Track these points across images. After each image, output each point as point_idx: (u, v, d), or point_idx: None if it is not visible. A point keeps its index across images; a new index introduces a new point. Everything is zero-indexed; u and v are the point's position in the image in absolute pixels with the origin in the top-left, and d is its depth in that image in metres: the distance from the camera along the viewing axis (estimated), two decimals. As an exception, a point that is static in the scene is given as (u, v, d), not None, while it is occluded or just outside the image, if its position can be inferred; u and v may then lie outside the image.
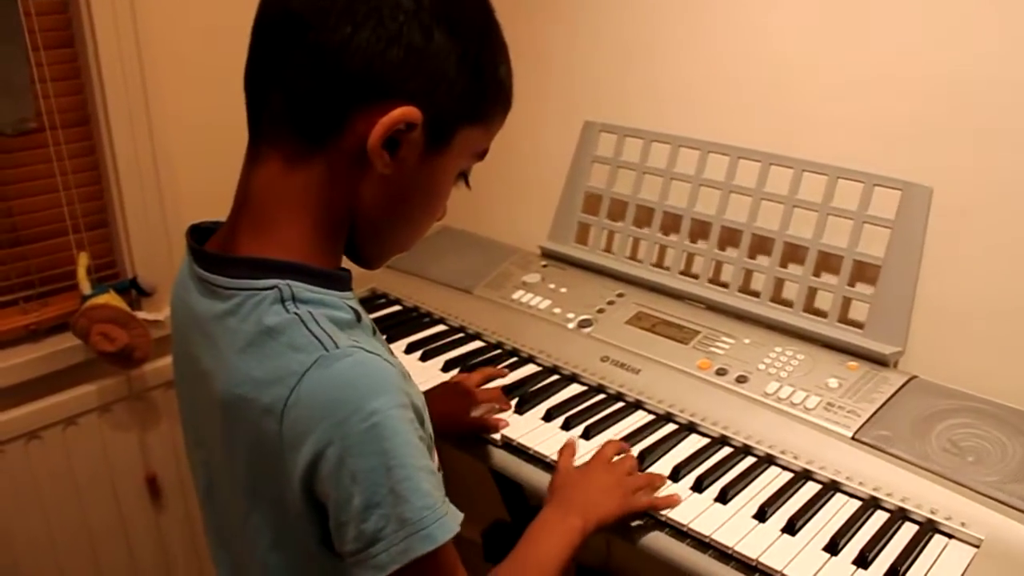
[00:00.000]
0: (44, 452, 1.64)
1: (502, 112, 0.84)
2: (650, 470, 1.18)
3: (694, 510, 1.09)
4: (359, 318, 0.80)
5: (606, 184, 1.67)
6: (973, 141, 1.29)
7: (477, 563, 0.89)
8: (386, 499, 0.71)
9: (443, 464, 0.90)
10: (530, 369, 1.46)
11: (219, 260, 0.79)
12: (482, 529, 1.87)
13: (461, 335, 1.58)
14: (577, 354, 1.45)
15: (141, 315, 1.68)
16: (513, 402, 1.33)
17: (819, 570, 1.00)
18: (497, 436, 1.26)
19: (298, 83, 0.74)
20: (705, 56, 1.58)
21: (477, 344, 1.55)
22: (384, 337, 0.93)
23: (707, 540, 1.05)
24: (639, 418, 1.31)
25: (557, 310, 1.57)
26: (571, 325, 1.53)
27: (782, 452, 1.20)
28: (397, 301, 1.72)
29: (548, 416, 1.30)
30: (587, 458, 1.17)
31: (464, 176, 0.87)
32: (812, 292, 1.43)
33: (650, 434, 1.27)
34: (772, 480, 1.17)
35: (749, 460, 1.21)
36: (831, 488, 1.14)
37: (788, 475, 1.18)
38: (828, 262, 1.41)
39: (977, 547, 1.03)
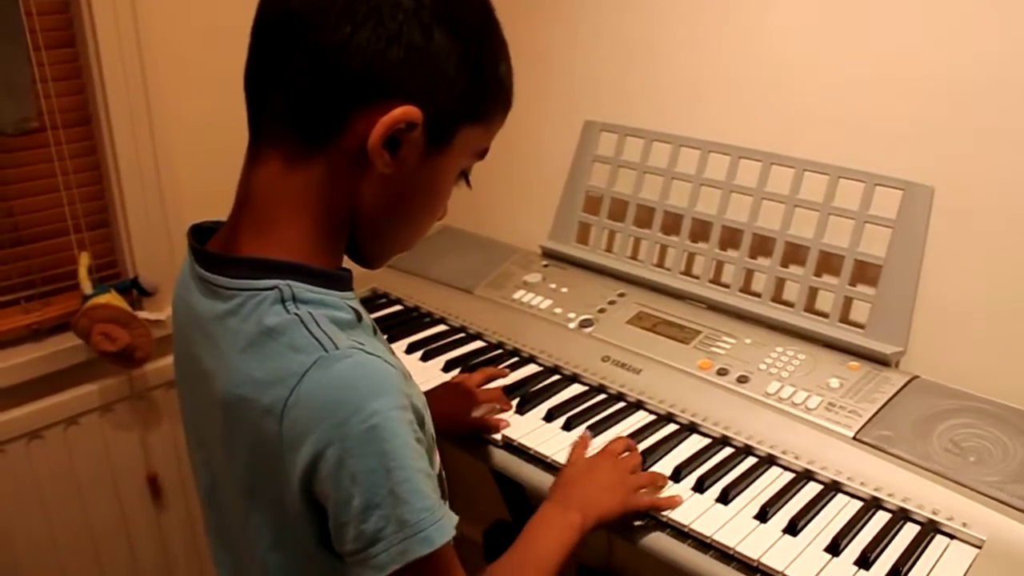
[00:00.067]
0: (45, 452, 1.65)
1: (503, 111, 0.84)
2: (651, 470, 1.18)
3: (695, 510, 1.09)
4: (360, 318, 0.80)
5: (607, 184, 1.67)
6: (975, 141, 1.29)
7: (478, 563, 0.89)
8: (386, 500, 0.71)
9: (444, 464, 0.90)
10: (531, 369, 1.46)
11: (220, 260, 0.79)
12: (483, 529, 1.87)
13: (462, 335, 1.58)
14: (578, 354, 1.45)
15: (142, 315, 1.68)
16: (514, 402, 1.33)
17: (821, 571, 1.00)
18: (498, 436, 1.26)
19: (298, 83, 0.74)
20: (706, 56, 1.58)
21: (478, 344, 1.55)
22: (385, 337, 0.93)
23: (708, 540, 1.05)
24: (640, 418, 1.31)
25: (558, 310, 1.57)
26: (572, 325, 1.53)
27: (783, 452, 1.20)
28: (398, 301, 1.72)
29: (549, 416, 1.30)
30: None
31: (465, 175, 0.87)
32: (813, 292, 1.43)
33: (651, 434, 1.27)
34: (773, 480, 1.16)
35: (750, 460, 1.21)
36: (832, 488, 1.14)
37: (789, 475, 1.17)
38: (829, 262, 1.41)
39: (979, 548, 1.03)
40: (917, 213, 1.31)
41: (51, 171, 1.59)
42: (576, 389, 1.39)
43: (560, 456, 1.20)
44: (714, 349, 1.40)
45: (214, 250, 0.82)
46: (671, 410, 1.31)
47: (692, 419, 1.28)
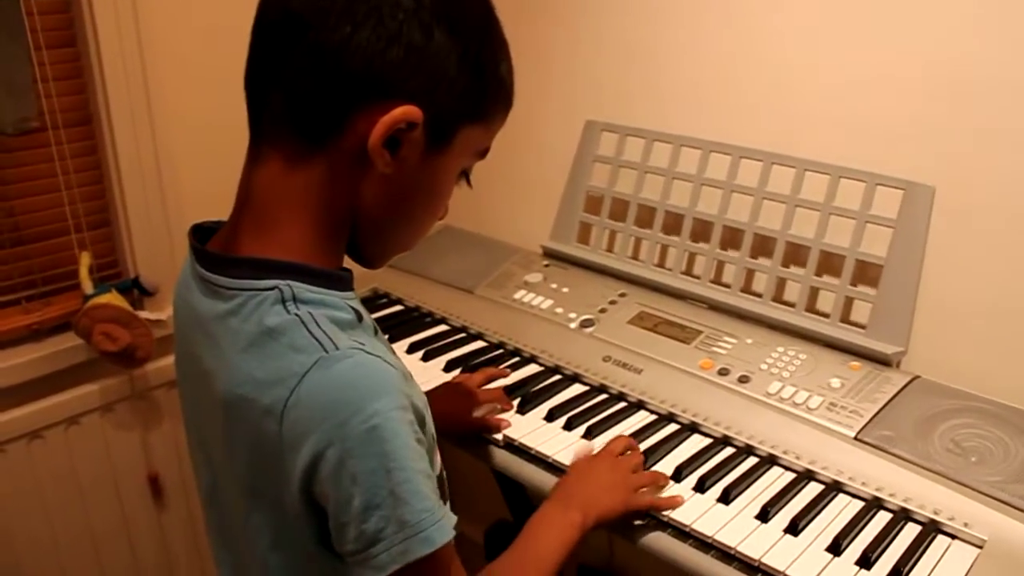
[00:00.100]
0: (46, 452, 1.65)
1: (503, 110, 0.84)
2: (652, 470, 1.18)
3: (696, 510, 1.09)
4: (360, 318, 0.80)
5: (608, 184, 1.67)
6: (976, 140, 1.29)
7: (479, 563, 0.89)
8: (386, 500, 0.71)
9: (445, 464, 0.90)
10: (532, 369, 1.46)
11: (221, 260, 0.79)
12: (484, 529, 1.87)
13: (463, 335, 1.58)
14: (579, 354, 1.45)
15: (143, 315, 1.68)
16: (515, 402, 1.33)
17: (822, 571, 1.00)
18: (499, 436, 1.26)
19: (298, 83, 0.74)
20: (707, 56, 1.58)
21: (479, 344, 1.55)
22: (386, 337, 0.93)
23: (710, 540, 1.05)
24: (641, 418, 1.31)
25: (559, 310, 1.57)
26: (573, 325, 1.53)
27: (784, 452, 1.20)
28: (399, 301, 1.71)
29: (550, 416, 1.30)
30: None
31: (466, 175, 0.87)
32: (814, 292, 1.43)
33: (652, 434, 1.27)
34: (774, 480, 1.16)
35: (751, 460, 1.21)
36: (834, 488, 1.14)
37: (790, 475, 1.17)
38: (830, 262, 1.41)
39: (980, 548, 1.03)
40: (918, 213, 1.31)
41: (52, 171, 1.59)
42: (577, 389, 1.39)
43: (561, 456, 1.20)
44: (715, 349, 1.40)
45: (215, 250, 0.82)
46: (672, 410, 1.31)
47: (693, 419, 1.28)
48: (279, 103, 0.76)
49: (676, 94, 1.64)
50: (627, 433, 1.26)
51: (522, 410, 1.32)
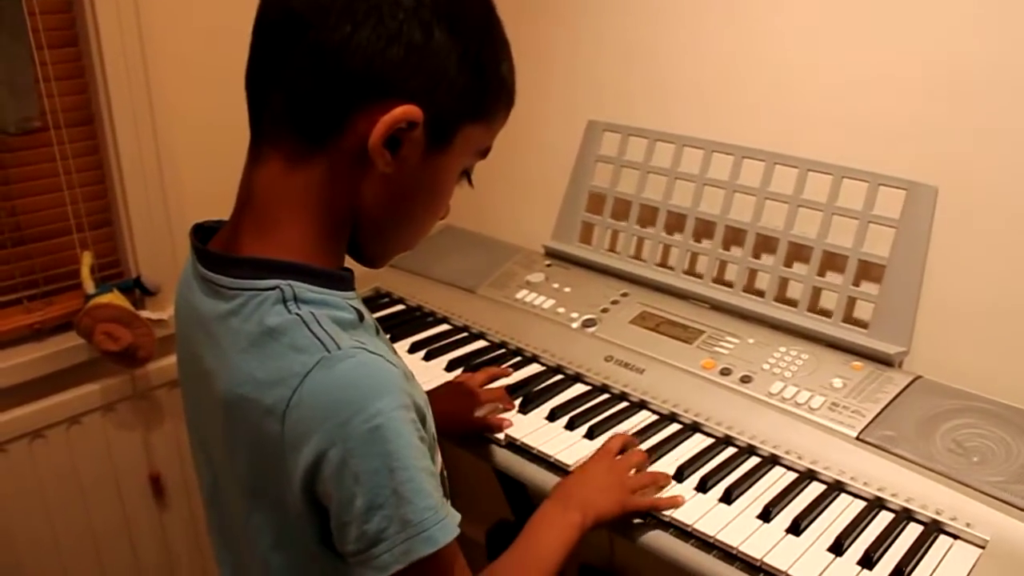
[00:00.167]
0: (48, 451, 1.65)
1: (504, 109, 0.84)
2: (654, 470, 1.17)
3: (698, 510, 1.09)
4: (362, 318, 0.80)
5: (610, 183, 1.67)
6: (978, 140, 1.29)
7: (481, 563, 0.89)
8: (389, 500, 0.71)
9: (446, 464, 0.90)
10: (534, 369, 1.46)
11: (222, 260, 0.79)
12: (486, 529, 1.87)
13: (465, 335, 1.58)
14: (581, 354, 1.45)
15: (145, 314, 1.68)
16: (517, 402, 1.33)
17: (824, 570, 1.00)
18: (501, 436, 1.26)
19: (298, 83, 0.74)
20: (709, 56, 1.58)
21: (481, 344, 1.55)
22: (388, 336, 0.92)
23: (711, 540, 1.05)
24: (643, 418, 1.31)
25: (561, 310, 1.57)
26: (575, 325, 1.52)
27: (786, 452, 1.20)
28: (400, 300, 1.71)
29: (552, 416, 1.30)
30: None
31: (467, 174, 0.87)
32: (817, 292, 1.43)
33: (654, 434, 1.26)
34: (776, 480, 1.16)
35: (753, 460, 1.21)
36: (836, 488, 1.14)
37: (792, 475, 1.17)
38: (833, 262, 1.41)
39: (982, 548, 1.03)
40: (921, 213, 1.31)
41: (54, 170, 1.60)
42: (579, 389, 1.39)
43: (563, 456, 1.20)
44: (717, 349, 1.40)
45: (216, 250, 0.82)
46: (674, 410, 1.31)
47: (695, 419, 1.28)
48: (279, 103, 0.76)
49: (678, 94, 1.64)
50: (629, 433, 1.25)
51: (524, 410, 1.32)
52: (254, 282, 0.76)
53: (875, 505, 1.10)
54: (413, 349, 1.51)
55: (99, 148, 1.65)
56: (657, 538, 1.08)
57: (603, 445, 1.18)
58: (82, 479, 1.71)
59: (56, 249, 1.64)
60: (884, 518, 1.08)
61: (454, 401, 1.28)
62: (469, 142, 0.81)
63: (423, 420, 0.77)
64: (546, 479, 1.18)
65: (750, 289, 1.50)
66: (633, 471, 1.14)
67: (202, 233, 0.85)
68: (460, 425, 1.26)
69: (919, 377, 1.29)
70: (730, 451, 1.23)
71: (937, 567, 1.00)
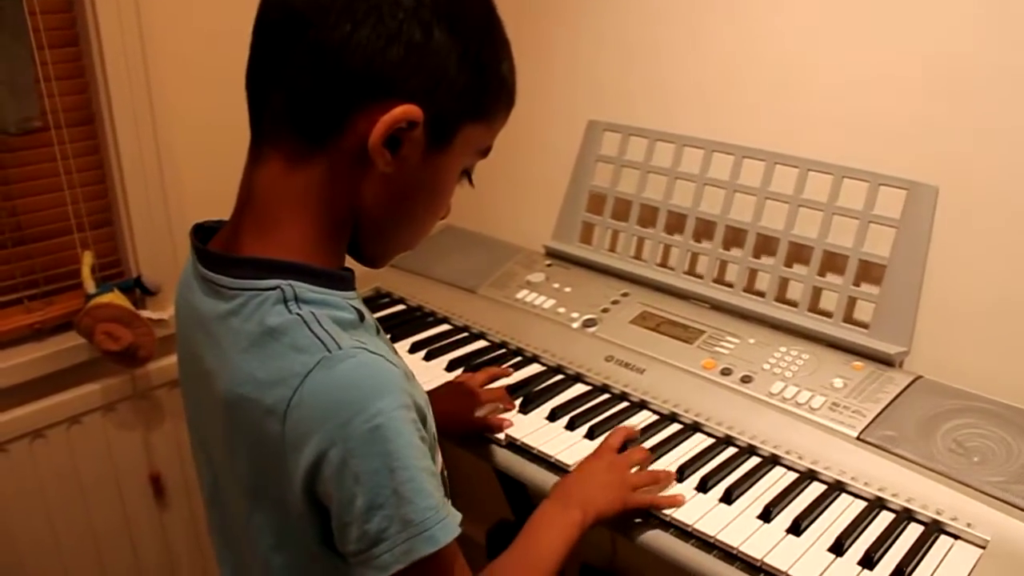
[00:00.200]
0: (48, 451, 1.65)
1: (505, 109, 0.84)
2: (656, 468, 1.17)
3: (699, 510, 1.09)
4: (362, 318, 0.80)
5: (610, 183, 1.67)
6: (978, 140, 1.29)
7: (481, 563, 0.89)
8: (389, 500, 0.71)
9: (447, 464, 0.90)
10: (534, 369, 1.46)
11: (222, 260, 0.79)
12: (486, 529, 1.87)
13: (465, 334, 1.58)
14: (581, 354, 1.45)
15: (145, 314, 1.68)
16: (517, 402, 1.33)
17: (824, 571, 1.00)
18: (501, 436, 1.26)
19: (299, 82, 0.74)
20: (709, 55, 1.58)
21: (481, 344, 1.55)
22: (388, 336, 0.92)
23: (712, 540, 1.04)
24: (644, 418, 1.31)
25: (561, 310, 1.57)
26: (575, 325, 1.52)
27: (787, 452, 1.20)
28: (401, 300, 1.71)
29: (552, 416, 1.30)
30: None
31: (467, 174, 0.86)
32: (817, 292, 1.42)
33: (655, 434, 1.26)
34: (777, 480, 1.16)
35: (754, 460, 1.21)
36: (836, 488, 1.14)
37: (793, 475, 1.17)
38: (833, 262, 1.40)
39: (983, 548, 1.03)
40: (921, 213, 1.31)
41: (54, 170, 1.60)
42: (579, 389, 1.39)
43: (563, 456, 1.20)
44: (718, 349, 1.40)
45: (216, 250, 0.82)
46: (675, 410, 1.31)
47: (696, 419, 1.28)
48: (280, 103, 0.76)
49: (679, 94, 1.64)
50: (629, 433, 1.26)
51: (524, 410, 1.32)
52: (254, 282, 0.76)
53: (876, 505, 1.10)
54: (414, 349, 1.51)
55: (99, 148, 1.65)
56: (658, 538, 1.08)
57: (604, 440, 1.18)
58: (82, 479, 1.71)
59: (57, 249, 1.64)
60: (885, 518, 1.08)
61: (455, 401, 1.28)
62: (469, 142, 0.81)
63: (424, 420, 0.77)
64: (546, 479, 1.18)
65: (750, 289, 1.50)
66: (635, 468, 1.14)
67: (202, 233, 0.85)
68: (461, 425, 1.26)
69: (920, 377, 1.29)
70: (731, 451, 1.23)
71: (938, 567, 1.00)
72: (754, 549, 1.02)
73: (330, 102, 0.74)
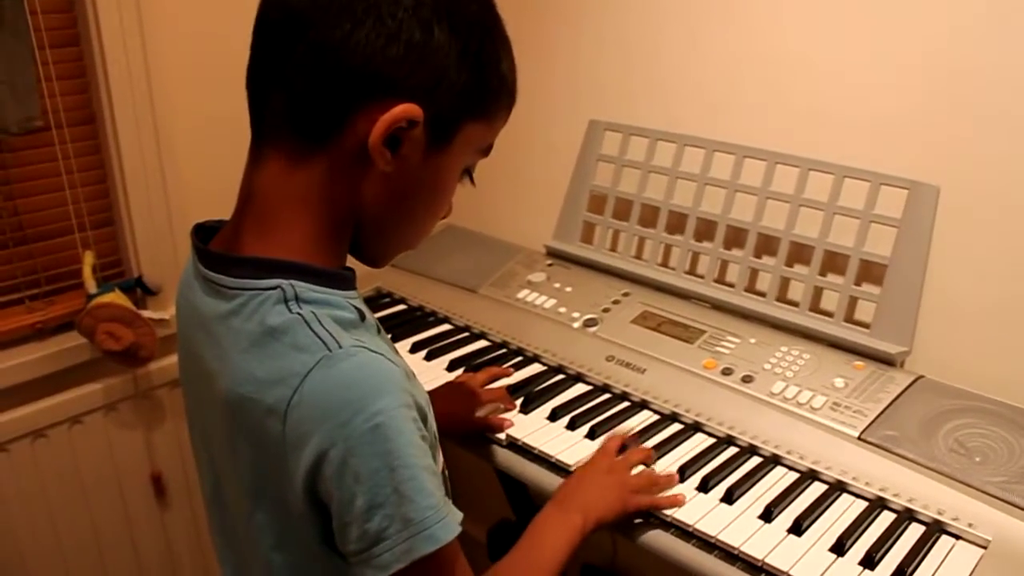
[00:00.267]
0: (50, 451, 1.65)
1: (506, 108, 0.84)
2: (653, 469, 1.17)
3: (700, 510, 1.09)
4: (363, 317, 0.80)
5: (611, 183, 1.67)
6: (979, 140, 1.29)
7: (482, 563, 0.89)
8: (390, 499, 0.71)
9: (447, 464, 0.90)
10: (535, 368, 1.46)
11: (223, 260, 0.79)
12: (487, 528, 1.87)
13: (466, 334, 1.57)
14: (582, 353, 1.45)
15: (146, 314, 1.68)
16: (518, 401, 1.33)
17: (825, 571, 1.00)
18: (502, 436, 1.26)
19: (299, 82, 0.74)
20: (710, 55, 1.58)
21: (482, 343, 1.55)
22: (389, 336, 0.92)
23: (713, 540, 1.04)
24: (645, 418, 1.31)
25: (562, 309, 1.57)
26: (576, 324, 1.52)
27: (788, 452, 1.19)
28: (402, 300, 1.71)
29: (553, 416, 1.30)
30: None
31: (468, 173, 0.86)
32: (818, 291, 1.42)
33: (656, 434, 1.26)
34: (778, 480, 1.16)
35: (755, 460, 1.21)
36: (837, 488, 1.14)
37: (794, 475, 1.17)
38: (834, 261, 1.40)
39: (984, 548, 1.03)
40: (923, 212, 1.30)
41: (55, 170, 1.59)
42: (580, 388, 1.39)
43: (564, 456, 1.20)
44: (719, 349, 1.39)
45: (217, 249, 0.82)
46: (676, 410, 1.31)
47: (697, 419, 1.28)
48: (280, 102, 0.76)
49: (680, 94, 1.64)
50: (631, 433, 1.25)
51: (525, 410, 1.32)
52: (255, 281, 0.76)
53: (877, 505, 1.10)
54: (414, 349, 1.51)
55: (101, 148, 1.65)
56: (659, 538, 1.07)
57: (601, 446, 1.18)
58: (84, 479, 1.71)
59: (58, 249, 1.64)
60: (886, 518, 1.08)
61: (455, 401, 1.28)
62: (470, 141, 0.81)
63: (424, 419, 0.77)
64: (547, 479, 1.18)
65: (751, 289, 1.50)
66: (636, 469, 1.14)
67: (203, 233, 0.85)
68: (461, 425, 1.26)
69: (921, 377, 1.28)
70: (731, 451, 1.23)
71: (939, 567, 1.00)
72: (755, 549, 1.02)
73: (330, 101, 0.74)
